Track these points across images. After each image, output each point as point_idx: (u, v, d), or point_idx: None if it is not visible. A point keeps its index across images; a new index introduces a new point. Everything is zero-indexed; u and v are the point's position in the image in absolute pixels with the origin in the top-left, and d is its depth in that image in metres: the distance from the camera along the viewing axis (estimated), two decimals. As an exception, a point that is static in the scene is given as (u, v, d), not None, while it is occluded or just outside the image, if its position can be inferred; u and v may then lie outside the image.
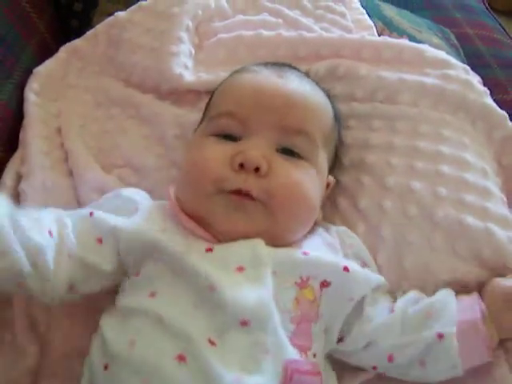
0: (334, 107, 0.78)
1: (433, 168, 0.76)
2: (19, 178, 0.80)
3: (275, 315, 0.57)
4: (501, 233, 0.72)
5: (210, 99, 0.78)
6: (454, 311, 0.65)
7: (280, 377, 0.55)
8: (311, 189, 0.67)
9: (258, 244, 0.62)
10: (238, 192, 0.63)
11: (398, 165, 0.77)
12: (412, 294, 0.70)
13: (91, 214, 0.66)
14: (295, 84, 0.71)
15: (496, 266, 0.71)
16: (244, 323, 0.56)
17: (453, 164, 0.77)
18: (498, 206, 0.75)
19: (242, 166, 0.63)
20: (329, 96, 0.78)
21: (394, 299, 0.70)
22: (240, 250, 0.61)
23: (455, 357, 0.63)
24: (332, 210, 0.79)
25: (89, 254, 0.63)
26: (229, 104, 0.71)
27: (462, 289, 0.71)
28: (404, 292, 0.71)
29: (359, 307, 0.66)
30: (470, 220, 0.72)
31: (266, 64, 0.77)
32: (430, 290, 0.71)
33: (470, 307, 0.66)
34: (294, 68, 0.79)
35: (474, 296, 0.68)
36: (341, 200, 0.79)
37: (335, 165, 0.79)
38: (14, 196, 0.78)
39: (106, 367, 0.56)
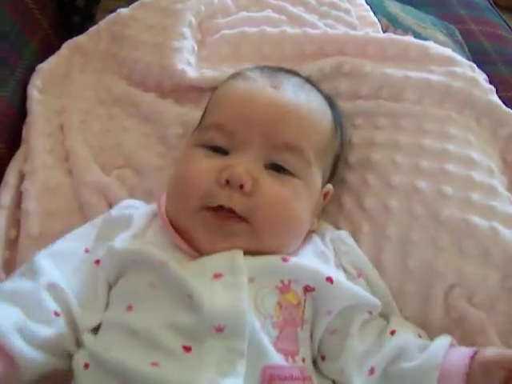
0: (335, 113, 0.75)
1: (438, 166, 0.75)
2: (22, 176, 0.80)
3: (254, 321, 0.57)
4: (506, 232, 0.71)
5: (208, 103, 0.77)
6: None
7: (259, 381, 0.54)
8: (299, 206, 0.65)
9: (236, 253, 0.61)
10: (221, 208, 0.62)
11: (403, 163, 0.76)
12: (397, 341, 0.63)
13: (97, 262, 0.64)
14: (289, 95, 0.68)
15: (503, 265, 0.70)
16: (219, 329, 0.55)
17: (458, 162, 0.76)
18: (504, 204, 0.74)
19: (228, 182, 0.62)
20: (330, 101, 0.76)
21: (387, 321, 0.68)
22: (218, 258, 0.61)
23: None
24: (337, 209, 0.78)
25: (92, 317, 0.61)
26: (218, 115, 0.69)
27: (466, 291, 0.71)
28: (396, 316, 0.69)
29: (343, 333, 0.64)
30: (476, 219, 0.71)
31: (263, 69, 0.75)
32: (434, 293, 0.70)
33: (454, 375, 0.59)
34: (293, 73, 0.77)
35: (464, 360, 0.59)
36: (346, 199, 0.78)
37: (335, 174, 0.78)
38: (17, 195, 0.78)
39: (86, 366, 0.57)
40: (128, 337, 0.57)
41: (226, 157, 0.65)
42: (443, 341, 0.63)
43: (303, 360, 0.60)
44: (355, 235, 0.74)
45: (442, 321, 0.71)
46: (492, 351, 0.59)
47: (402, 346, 0.63)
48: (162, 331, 0.56)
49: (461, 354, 0.60)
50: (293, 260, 0.63)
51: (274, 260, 0.62)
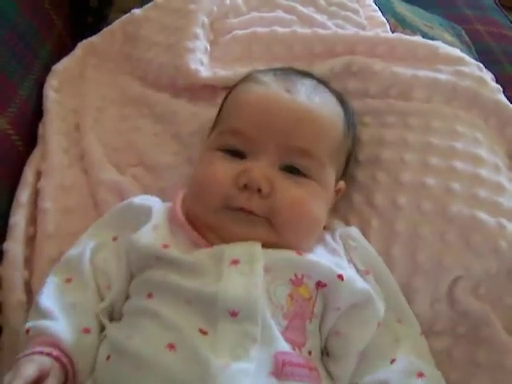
0: (347, 112, 0.77)
1: (446, 164, 0.77)
2: (39, 174, 0.81)
3: (265, 308, 0.59)
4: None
5: (223, 104, 0.79)
6: None
7: (271, 366, 0.56)
8: (314, 206, 0.68)
9: (255, 244, 0.64)
10: (242, 210, 0.65)
11: (412, 161, 0.78)
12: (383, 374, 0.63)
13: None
14: (303, 100, 0.70)
15: (510, 259, 0.71)
16: (233, 314, 0.57)
17: (466, 159, 0.77)
18: (510, 200, 0.75)
19: (246, 186, 0.65)
20: (342, 100, 0.78)
21: None
22: (237, 246, 0.63)
23: None
24: (347, 205, 0.80)
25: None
26: (235, 121, 0.71)
27: (472, 284, 0.72)
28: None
29: (347, 340, 0.65)
30: (483, 215, 0.73)
31: (276, 71, 0.76)
32: (441, 287, 0.72)
33: None
34: (306, 74, 0.78)
35: None
36: (356, 196, 0.80)
37: (347, 170, 0.80)
38: (35, 192, 0.79)
39: (108, 358, 0.59)
40: (149, 320, 0.59)
41: (242, 161, 0.68)
42: None
43: (309, 352, 0.63)
44: (364, 231, 0.76)
45: (448, 315, 0.72)
46: None
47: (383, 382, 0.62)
48: (180, 315, 0.58)
49: None
50: (307, 255, 0.65)
51: (289, 253, 0.65)
